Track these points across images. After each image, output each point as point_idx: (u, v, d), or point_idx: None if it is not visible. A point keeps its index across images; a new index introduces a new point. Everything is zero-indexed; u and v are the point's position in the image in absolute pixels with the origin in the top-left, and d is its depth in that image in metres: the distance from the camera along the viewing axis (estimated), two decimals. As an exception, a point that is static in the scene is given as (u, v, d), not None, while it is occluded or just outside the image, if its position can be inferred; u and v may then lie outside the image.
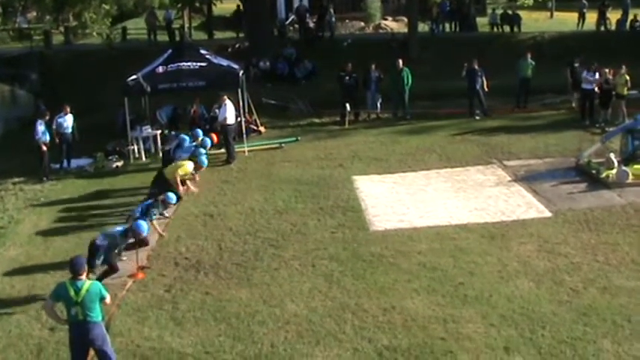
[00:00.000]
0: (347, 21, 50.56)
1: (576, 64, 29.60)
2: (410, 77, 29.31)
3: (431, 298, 13.57)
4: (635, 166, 20.74)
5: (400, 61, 29.66)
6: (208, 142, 21.76)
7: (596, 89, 27.54)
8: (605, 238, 16.16)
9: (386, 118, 29.57)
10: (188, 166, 19.52)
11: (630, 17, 47.62)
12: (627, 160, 21.33)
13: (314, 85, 34.83)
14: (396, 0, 55.19)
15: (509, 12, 48.93)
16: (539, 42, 42.10)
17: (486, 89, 29.35)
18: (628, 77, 27.51)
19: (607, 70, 27.78)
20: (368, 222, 17.69)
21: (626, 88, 27.57)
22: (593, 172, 20.86)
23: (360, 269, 14.95)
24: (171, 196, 17.46)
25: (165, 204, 17.39)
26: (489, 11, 52.23)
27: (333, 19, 44.90)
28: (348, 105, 28.52)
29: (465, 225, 17.16)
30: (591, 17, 48.85)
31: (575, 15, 50.19)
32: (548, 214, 17.82)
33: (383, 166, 22.37)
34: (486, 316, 12.78)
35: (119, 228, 15.30)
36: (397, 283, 14.22)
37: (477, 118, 28.91)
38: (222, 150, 24.17)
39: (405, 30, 44.58)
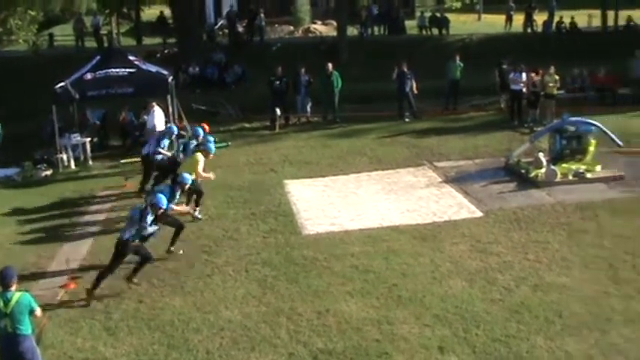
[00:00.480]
0: (276, 25, 50.48)
1: (504, 66, 29.97)
2: (339, 80, 29.37)
3: (365, 300, 13.57)
4: (564, 165, 21.09)
5: (330, 65, 29.71)
6: (210, 138, 20.92)
7: (524, 90, 27.91)
8: (535, 237, 16.39)
9: (316, 121, 29.54)
10: (200, 157, 19.01)
11: (556, 19, 48.51)
12: (556, 159, 21.67)
13: (244, 89, 34.66)
14: (325, 4, 55.37)
15: (438, 15, 49.52)
16: (467, 44, 42.60)
17: (416, 91, 29.54)
18: (557, 77, 27.98)
19: (534, 74, 28.20)
20: (300, 226, 17.65)
21: (555, 88, 28.02)
22: (523, 171, 21.15)
23: (294, 273, 14.90)
24: (186, 176, 17.02)
25: (182, 185, 16.86)
26: (418, 14, 52.67)
27: (263, 23, 44.80)
28: (278, 109, 28.48)
29: (396, 227, 17.22)
30: (518, 19, 49.65)
31: (503, 17, 50.97)
32: (479, 214, 18.00)
33: (314, 170, 22.35)
34: (420, 316, 12.83)
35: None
36: (331, 287, 14.20)
37: (407, 120, 29.09)
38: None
39: (335, 33, 44.75)
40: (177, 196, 16.70)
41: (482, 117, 29.68)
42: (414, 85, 29.42)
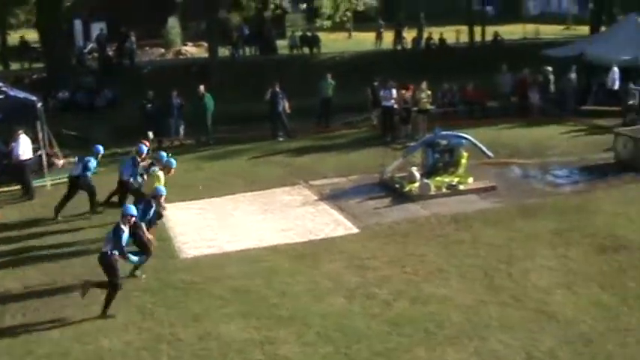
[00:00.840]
0: (147, 48, 49.90)
1: (375, 83, 30.37)
2: (212, 102, 29.23)
3: (245, 321, 13.44)
4: (437, 179, 21.48)
5: (202, 87, 29.56)
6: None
7: (395, 106, 28.31)
8: (412, 250, 16.58)
9: (190, 144, 29.25)
10: (160, 174, 18.54)
11: (425, 35, 49.49)
12: (429, 172, 22.05)
13: (116, 113, 34.10)
14: (196, 25, 55.03)
15: (309, 34, 49.81)
16: (338, 62, 42.97)
17: (288, 111, 29.64)
18: (429, 92, 28.52)
19: (404, 90, 28.66)
20: (177, 250, 17.38)
21: (427, 103, 28.55)
22: (397, 186, 21.42)
23: (173, 298, 14.64)
24: (160, 188, 16.95)
25: (157, 198, 16.72)
26: (289, 34, 52.95)
27: (134, 46, 44.22)
28: (150, 133, 28.07)
29: (274, 246, 17.16)
30: (388, 36, 50.43)
31: (373, 34, 51.66)
32: (355, 230, 18.12)
33: (189, 193, 22.03)
34: (302, 335, 12.79)
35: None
36: (211, 310, 14.01)
37: (281, 139, 29.14)
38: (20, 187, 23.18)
39: (206, 55, 44.50)
40: (153, 211, 16.55)
41: (355, 134, 29.98)
42: (287, 105, 29.53)
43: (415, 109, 29.02)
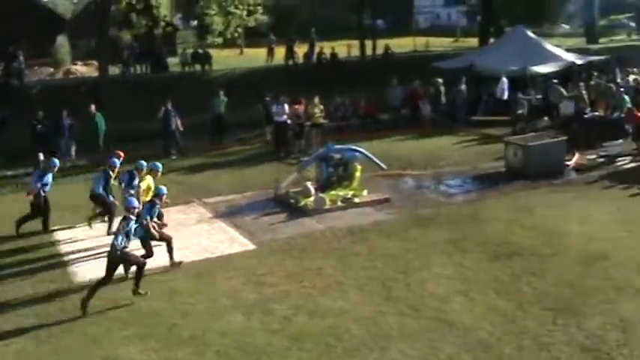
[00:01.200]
0: (36, 67, 48.93)
1: (267, 98, 30.40)
2: (103, 121, 28.80)
3: (145, 343, 13.16)
4: (332, 192, 21.56)
5: (93, 106, 29.08)
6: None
7: (288, 121, 28.37)
8: (309, 264, 16.57)
9: (82, 165, 28.67)
10: (149, 179, 18.78)
11: (317, 50, 49.80)
12: (324, 187, 22.14)
13: (5, 135, 33.20)
14: (85, 43, 54.25)
15: (200, 51, 49.59)
16: (230, 78, 42.87)
17: (181, 128, 29.42)
18: (322, 107, 28.69)
19: (297, 105, 28.76)
20: (72, 273, 16.94)
21: (321, 118, 28.71)
22: (292, 201, 21.42)
23: (69, 322, 14.26)
24: (162, 187, 17.36)
25: (160, 197, 17.13)
26: (180, 51, 52.68)
27: (22, 65, 43.19)
28: (41, 154, 27.43)
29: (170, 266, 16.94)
30: (280, 51, 50.58)
31: (265, 50, 51.76)
32: (251, 246, 18.02)
33: (82, 215, 21.58)
34: (202, 354, 12.61)
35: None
36: (110, 332, 13.67)
37: (174, 157, 28.86)
38: None
39: (96, 74, 43.85)
40: (157, 211, 16.95)
41: (249, 150, 29.97)
42: (179, 122, 29.30)
43: (308, 123, 29.15)
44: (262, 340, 12.97)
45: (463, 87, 34.85)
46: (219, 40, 50.24)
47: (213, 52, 50.01)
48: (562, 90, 32.76)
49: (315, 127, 29.13)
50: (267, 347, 12.71)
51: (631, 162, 26.11)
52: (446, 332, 12.99)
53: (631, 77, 34.83)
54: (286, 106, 28.62)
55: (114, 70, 44.45)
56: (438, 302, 14.31)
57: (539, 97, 34.87)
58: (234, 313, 14.18)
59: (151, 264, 16.73)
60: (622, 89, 31.16)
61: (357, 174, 22.57)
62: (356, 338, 12.88)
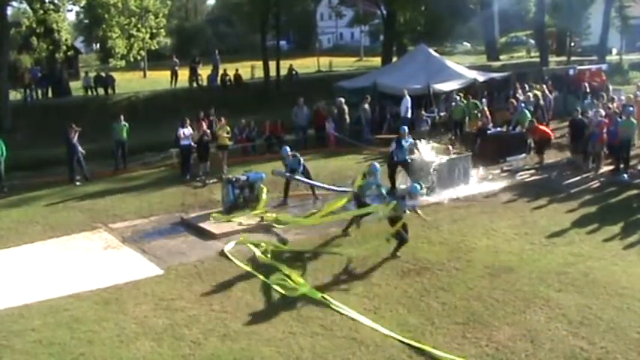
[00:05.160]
0: None
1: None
2: (4, 148, 28.14)
3: (51, 375, 12.91)
4: (238, 214, 21.56)
5: (-8, 132, 28.45)
6: None
7: (193, 144, 28.22)
8: (218, 287, 16.43)
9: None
10: None
11: (220, 72, 49.80)
12: (230, 208, 22.09)
13: None
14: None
15: (103, 74, 49.11)
16: (134, 102, 42.52)
17: (83, 152, 28.98)
18: (228, 128, 28.63)
19: (201, 124, 28.62)
20: None
21: (227, 139, 28.65)
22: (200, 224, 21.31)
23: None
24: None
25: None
26: (83, 74, 52.02)
27: None
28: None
29: (77, 294, 16.51)
30: (184, 74, 50.42)
31: (168, 73, 51.50)
32: (159, 271, 17.76)
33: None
34: (111, 383, 12.40)
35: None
36: (14, 365, 13.38)
37: (78, 184, 28.32)
38: None
39: (-3, 99, 42.96)
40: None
41: (155, 174, 29.67)
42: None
43: (212, 145, 29.06)
44: (172, 367, 12.81)
45: (367, 106, 35.19)
46: (122, 63, 49.80)
47: (116, 75, 49.56)
48: (464, 107, 33.33)
49: (221, 148, 29.02)
50: (178, 373, 12.56)
51: (533, 175, 26.69)
52: (357, 350, 13.02)
53: (530, 93, 35.60)
54: (190, 129, 28.43)
55: (15, 94, 43.60)
56: (348, 320, 14.33)
57: (442, 114, 35.43)
58: (143, 340, 13.95)
59: (53, 293, 16.45)
60: (523, 105, 31.83)
61: (264, 196, 22.58)
62: (267, 360, 12.83)
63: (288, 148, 23.92)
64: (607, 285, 15.65)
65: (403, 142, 24.64)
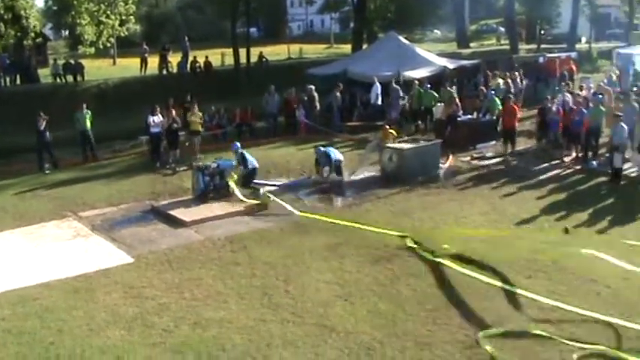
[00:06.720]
0: None
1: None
2: (-29, 136, 27.98)
3: (20, 364, 12.83)
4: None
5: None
6: None
7: (162, 130, 28.12)
8: (188, 275, 16.40)
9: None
10: None
11: (190, 59, 49.59)
12: (201, 196, 22.04)
13: None
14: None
15: (72, 61, 48.69)
16: (103, 89, 42.25)
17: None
18: (200, 114, 28.60)
19: (170, 111, 28.51)
20: None
21: (200, 125, 28.62)
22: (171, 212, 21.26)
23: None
24: None
25: None
26: (51, 62, 51.56)
27: None
28: None
29: (47, 283, 16.39)
30: (153, 61, 50.13)
31: (138, 60, 51.20)
32: (129, 259, 17.68)
33: None
34: (82, 372, 12.34)
35: None
36: (-18, 355, 13.29)
37: (47, 172, 28.14)
38: None
39: (-37, 88, 42.66)
40: None
41: (125, 162, 29.53)
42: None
43: (182, 133, 28.96)
44: (144, 355, 12.74)
45: (337, 93, 35.19)
46: (92, 50, 49.51)
47: (85, 62, 49.17)
48: (435, 94, 33.42)
49: (194, 134, 28.96)
50: (148, 361, 12.53)
51: (502, 163, 26.83)
52: (328, 337, 13.04)
53: (501, 80, 35.80)
54: (160, 117, 28.28)
55: (-19, 82, 43.28)
56: (319, 308, 14.36)
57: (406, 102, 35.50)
58: (113, 328, 13.89)
59: (22, 282, 16.35)
60: (493, 92, 31.98)
61: (232, 183, 22.55)
62: (239, 348, 12.80)
63: (238, 144, 23.96)
64: (576, 271, 15.77)
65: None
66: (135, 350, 12.93)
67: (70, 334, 13.80)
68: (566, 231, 13.76)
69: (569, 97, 29.81)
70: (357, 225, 19.08)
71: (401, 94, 34.22)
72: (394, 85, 34.26)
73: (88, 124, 29.84)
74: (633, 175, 24.22)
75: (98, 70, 51.83)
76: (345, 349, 12.58)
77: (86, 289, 15.89)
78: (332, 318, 13.86)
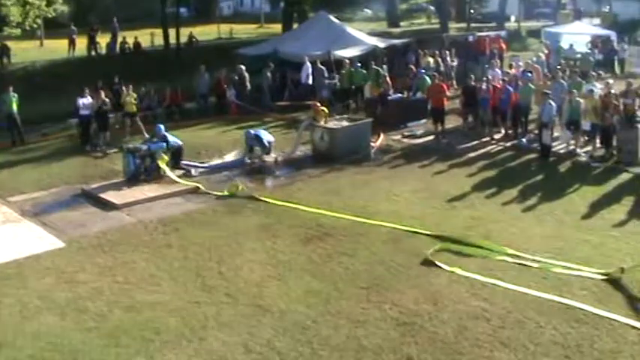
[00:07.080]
0: None
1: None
2: None
3: (-50, 353, 12.65)
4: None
5: None
6: None
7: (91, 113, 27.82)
8: (121, 258, 16.32)
9: None
10: None
11: (119, 40, 49.03)
12: (132, 179, 21.93)
13: None
14: None
15: (-1, 43, 47.74)
16: (30, 72, 41.57)
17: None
18: (135, 95, 28.39)
19: (102, 94, 28.16)
20: None
21: (134, 106, 28.43)
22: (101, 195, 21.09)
23: None
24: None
25: None
26: (-25, 44, 50.45)
27: None
28: None
29: (-24, 270, 16.26)
30: (82, 42, 49.39)
31: (66, 42, 50.37)
32: (61, 244, 17.49)
33: None
34: (15, 359, 12.20)
35: None
36: None
37: (-26, 157, 27.63)
38: None
39: None
40: None
41: (54, 145, 29.05)
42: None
43: (112, 115, 28.72)
44: (78, 340, 12.67)
45: (268, 73, 35.17)
46: (18, 32, 48.44)
47: (11, 44, 48.16)
48: (365, 73, 33.56)
49: (128, 115, 28.76)
50: (83, 346, 12.42)
51: (433, 141, 27.12)
52: (262, 317, 13.13)
53: (431, 59, 36.11)
54: (90, 99, 27.92)
55: None
56: (253, 288, 14.43)
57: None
58: (46, 314, 13.78)
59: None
60: (423, 71, 32.25)
61: (163, 165, 22.44)
62: (173, 330, 12.81)
63: (162, 127, 23.85)
64: (506, 246, 16.07)
65: None
66: (69, 336, 12.86)
67: (2, 321, 13.65)
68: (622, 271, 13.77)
69: (498, 72, 30.22)
70: (372, 221, 18.37)
71: (326, 74, 34.36)
72: (319, 66, 34.41)
73: (15, 107, 29.14)
74: (562, 151, 24.68)
75: (25, 52, 50.72)
76: (280, 329, 12.68)
77: (18, 276, 15.69)
78: (266, 298, 13.95)
